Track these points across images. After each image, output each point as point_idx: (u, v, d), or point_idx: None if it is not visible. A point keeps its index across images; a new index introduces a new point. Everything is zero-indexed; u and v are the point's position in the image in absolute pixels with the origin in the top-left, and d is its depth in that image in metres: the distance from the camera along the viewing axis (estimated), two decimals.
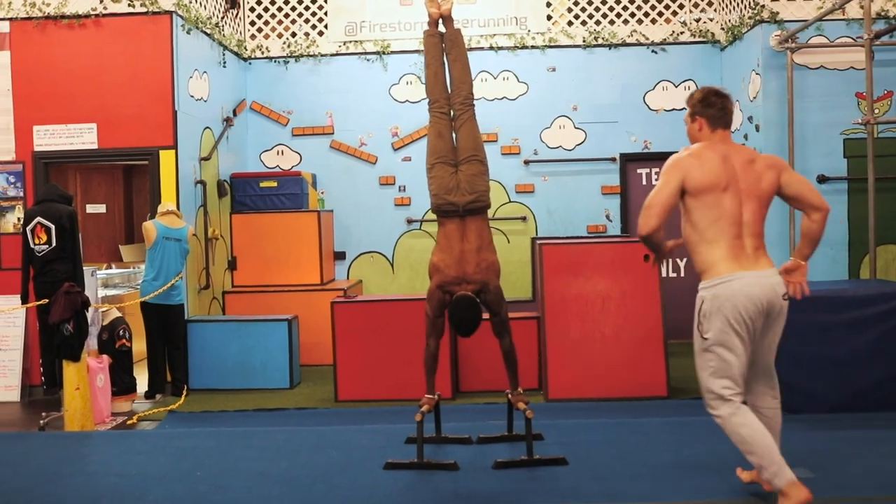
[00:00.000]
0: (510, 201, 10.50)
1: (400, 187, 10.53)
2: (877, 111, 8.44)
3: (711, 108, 4.43)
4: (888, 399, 6.42)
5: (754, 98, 9.13)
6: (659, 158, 10.45)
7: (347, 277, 10.58)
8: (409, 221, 10.53)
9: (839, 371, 6.42)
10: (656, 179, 10.49)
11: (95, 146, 8.56)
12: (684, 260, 10.39)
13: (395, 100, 10.53)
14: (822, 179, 8.76)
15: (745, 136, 9.43)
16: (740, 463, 5.17)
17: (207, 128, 9.36)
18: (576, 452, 5.48)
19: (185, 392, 8.12)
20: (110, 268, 10.74)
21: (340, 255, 10.54)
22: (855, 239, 8.74)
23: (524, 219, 10.47)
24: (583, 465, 5.25)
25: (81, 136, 8.55)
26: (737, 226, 4.26)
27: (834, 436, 5.75)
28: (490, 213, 10.33)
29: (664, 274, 10.10)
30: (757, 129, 9.07)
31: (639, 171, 10.51)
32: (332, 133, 10.60)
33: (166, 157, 8.53)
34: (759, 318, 4.20)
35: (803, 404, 6.36)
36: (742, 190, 4.28)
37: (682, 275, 10.36)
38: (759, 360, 4.37)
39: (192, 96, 8.93)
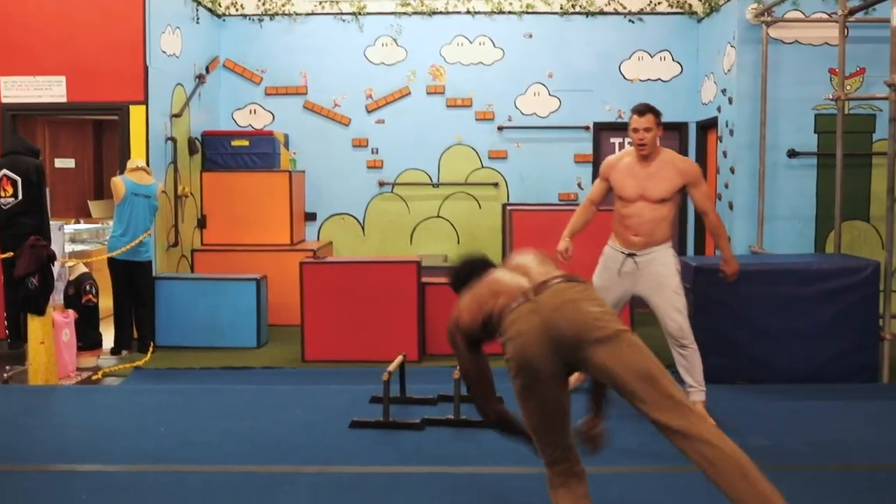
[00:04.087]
0: (482, 167, 10.50)
1: (372, 150, 10.50)
2: (848, 87, 8.49)
3: None
4: (849, 371, 6.53)
5: (729, 70, 9.16)
6: None
7: (318, 239, 10.56)
8: (381, 184, 10.51)
9: (801, 343, 6.51)
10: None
11: (64, 99, 8.45)
12: None
13: (370, 62, 10.46)
14: (791, 154, 8.83)
15: (719, 109, 9.48)
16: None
17: (179, 84, 9.26)
18: None
19: (151, 349, 8.09)
20: (78, 223, 10.65)
21: (311, 216, 10.51)
22: (822, 214, 8.82)
23: (496, 185, 10.48)
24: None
25: (50, 89, 8.43)
26: None
27: (793, 406, 5.85)
28: (462, 178, 10.42)
29: None
30: (730, 101, 9.10)
31: (612, 140, 10.53)
32: (306, 93, 10.52)
33: (136, 113, 8.44)
34: None
35: (765, 375, 6.46)
36: None
37: None
38: None
39: (164, 52, 8.82)
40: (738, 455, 2.95)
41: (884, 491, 4.27)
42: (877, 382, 6.57)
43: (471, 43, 10.43)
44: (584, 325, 3.06)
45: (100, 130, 11.60)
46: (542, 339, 3.07)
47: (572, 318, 3.08)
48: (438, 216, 10.51)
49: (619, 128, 10.42)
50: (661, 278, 5.50)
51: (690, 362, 5.51)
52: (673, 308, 5.49)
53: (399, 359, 5.80)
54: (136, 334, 8.26)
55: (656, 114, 5.60)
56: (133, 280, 8.16)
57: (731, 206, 9.06)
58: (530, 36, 10.42)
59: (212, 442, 5.15)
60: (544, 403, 3.14)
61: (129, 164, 8.20)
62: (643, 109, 5.58)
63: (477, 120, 10.48)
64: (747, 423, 5.43)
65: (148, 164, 8.35)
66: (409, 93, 10.51)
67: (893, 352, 6.85)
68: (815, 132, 8.86)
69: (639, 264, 5.56)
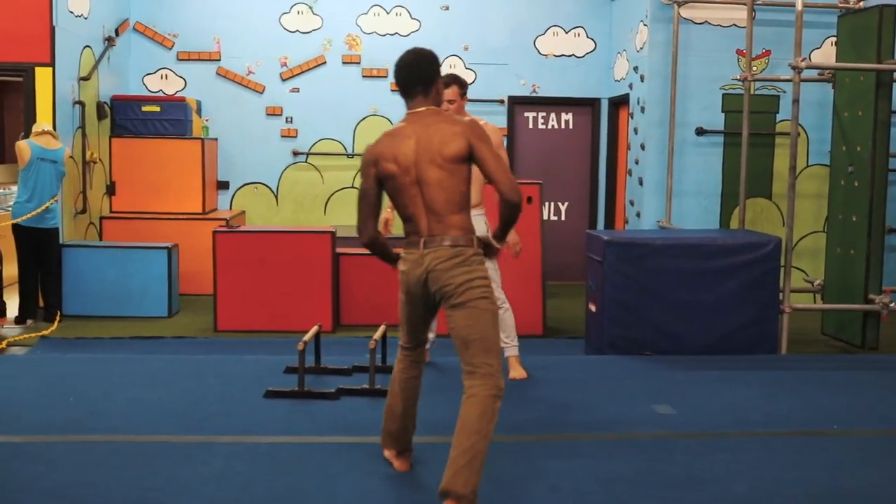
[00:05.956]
0: None
1: (287, 119, 10.40)
2: (754, 69, 8.73)
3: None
4: (750, 342, 6.76)
5: (641, 49, 9.32)
6: (546, 103, 10.61)
7: (230, 207, 10.43)
8: (295, 153, 10.42)
9: (707, 315, 6.71)
10: (542, 124, 10.66)
11: None
12: (566, 203, 10.62)
13: (286, 29, 10.33)
14: (700, 132, 9.06)
15: (630, 86, 9.65)
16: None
17: (87, 46, 9.00)
18: (449, 385, 5.61)
19: (58, 318, 7.92)
20: None
21: (224, 185, 10.37)
22: (727, 191, 9.09)
23: None
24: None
25: None
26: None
27: (698, 376, 6.04)
28: None
29: (545, 216, 10.31)
30: (642, 79, 9.28)
31: (526, 114, 10.63)
32: (219, 59, 10.34)
33: (42, 75, 8.19)
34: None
35: (672, 346, 6.65)
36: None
37: (563, 218, 10.59)
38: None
39: (71, 12, 8.56)
40: (472, 424, 3.60)
41: (779, 457, 4.47)
42: (776, 353, 6.83)
43: (387, 13, 10.39)
44: (447, 290, 3.74)
45: (3, 92, 11.22)
46: (418, 284, 3.83)
47: (442, 281, 3.74)
48: (353, 187, 10.48)
49: (534, 102, 10.54)
50: None
51: (504, 322, 5.77)
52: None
53: (314, 329, 5.80)
54: (42, 303, 8.07)
55: (461, 85, 5.71)
56: (39, 247, 7.96)
57: (640, 182, 9.26)
58: (447, 8, 10.43)
59: (122, 411, 5.07)
60: (413, 312, 3.96)
61: (35, 128, 7.97)
62: (448, 81, 5.59)
63: (392, 91, 10.42)
64: (654, 392, 5.61)
65: (54, 128, 8.12)
66: (325, 62, 10.42)
67: (792, 324, 7.14)
68: (722, 111, 9.11)
69: None
